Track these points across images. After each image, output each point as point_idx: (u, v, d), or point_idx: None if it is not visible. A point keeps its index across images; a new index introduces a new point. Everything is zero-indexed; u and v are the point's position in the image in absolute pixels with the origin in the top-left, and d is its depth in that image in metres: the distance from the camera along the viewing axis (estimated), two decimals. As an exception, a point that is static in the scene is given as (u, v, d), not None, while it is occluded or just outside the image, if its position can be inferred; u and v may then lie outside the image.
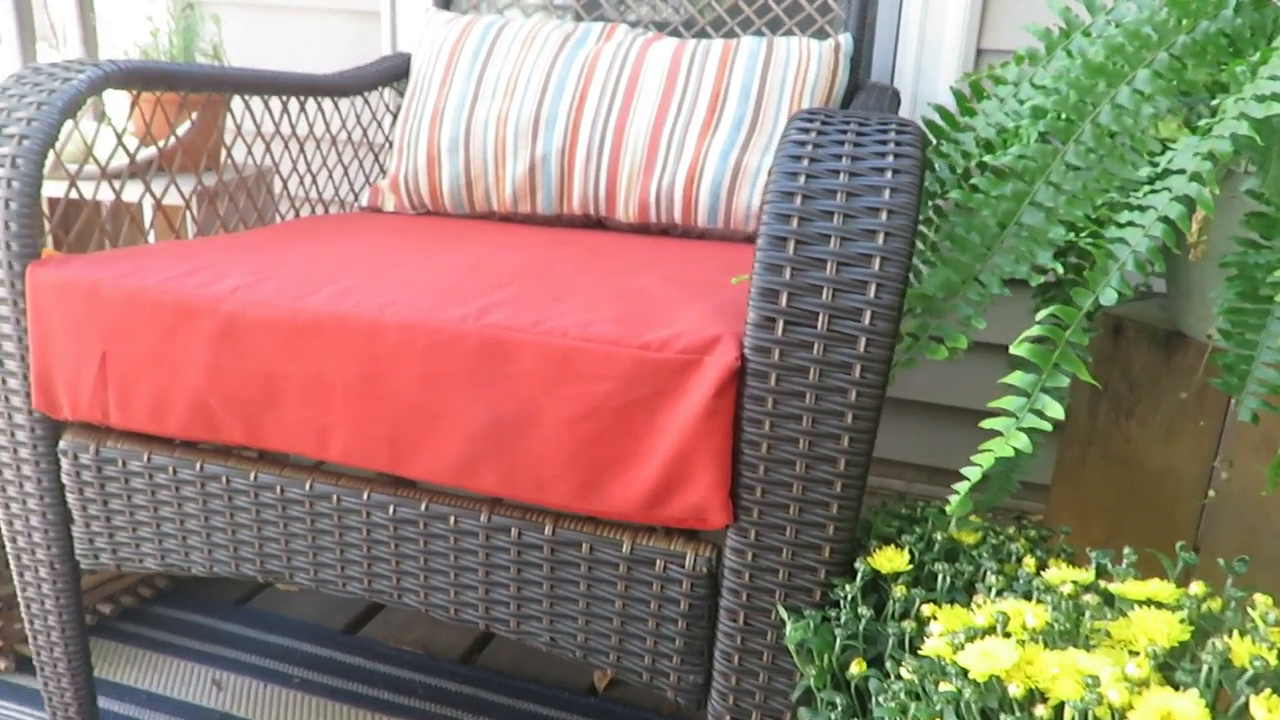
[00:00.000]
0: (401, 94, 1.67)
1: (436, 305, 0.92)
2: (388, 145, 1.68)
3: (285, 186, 1.45)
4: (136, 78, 1.12)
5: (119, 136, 1.18)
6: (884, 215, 0.81)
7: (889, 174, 0.83)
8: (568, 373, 0.87)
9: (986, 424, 0.71)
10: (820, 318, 0.81)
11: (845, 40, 1.46)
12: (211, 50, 1.67)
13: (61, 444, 1.06)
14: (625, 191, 1.41)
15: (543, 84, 1.45)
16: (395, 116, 1.69)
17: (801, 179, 0.83)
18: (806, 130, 0.88)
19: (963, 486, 0.72)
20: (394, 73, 1.63)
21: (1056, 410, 0.68)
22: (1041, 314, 0.72)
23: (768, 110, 1.39)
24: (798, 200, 0.82)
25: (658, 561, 0.91)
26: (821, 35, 1.59)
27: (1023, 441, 0.69)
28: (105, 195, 1.51)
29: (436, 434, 0.91)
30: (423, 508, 0.96)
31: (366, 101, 1.59)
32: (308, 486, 0.99)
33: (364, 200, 1.56)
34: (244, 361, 0.95)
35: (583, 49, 1.48)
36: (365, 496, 0.98)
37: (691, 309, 0.94)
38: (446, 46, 1.52)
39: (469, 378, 0.89)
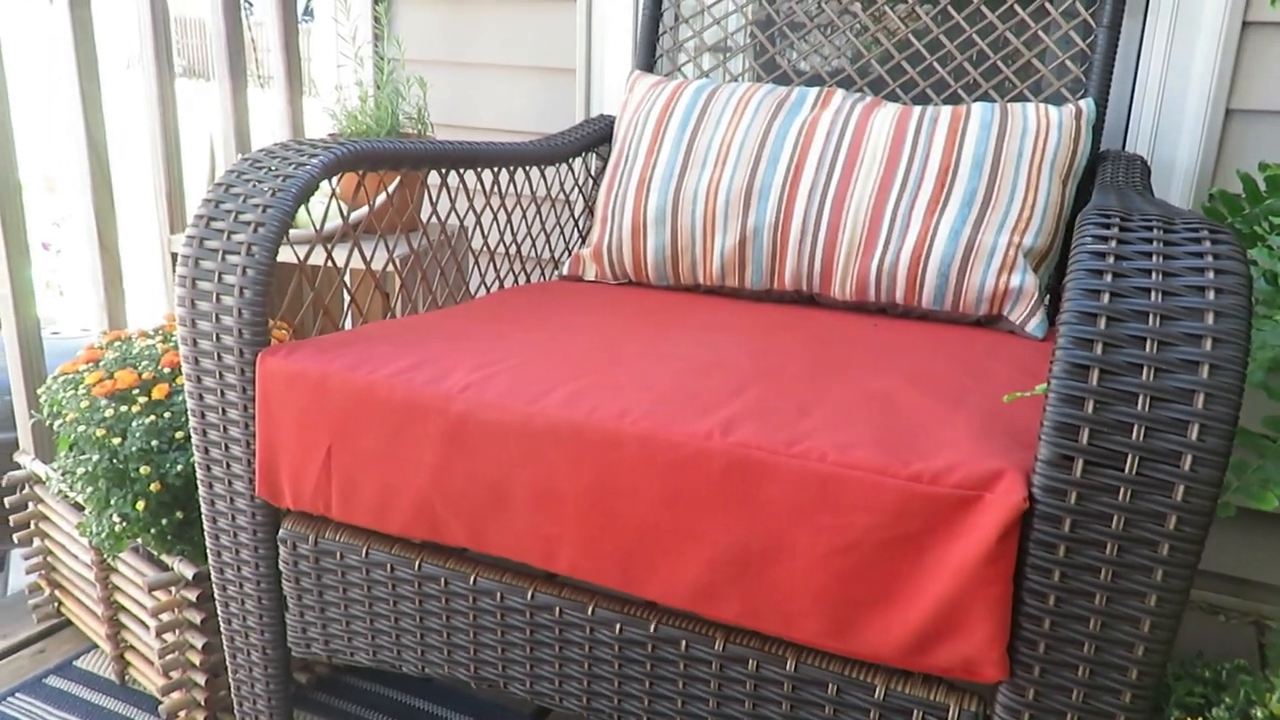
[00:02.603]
0: (602, 158, 1.64)
1: (677, 415, 0.86)
2: (587, 210, 1.65)
3: (491, 251, 1.43)
4: (364, 159, 1.11)
5: (344, 215, 1.17)
6: (1208, 344, 0.70)
7: (1211, 294, 0.72)
8: (825, 502, 0.79)
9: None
10: (1129, 460, 0.71)
11: (1087, 106, 1.34)
12: (416, 113, 1.67)
13: (281, 532, 1.05)
14: (842, 268, 1.33)
15: (755, 152, 1.38)
16: (595, 181, 1.66)
17: (1105, 298, 0.73)
18: (1104, 237, 0.78)
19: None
20: (597, 138, 1.59)
21: None
22: None
23: (1003, 184, 1.28)
24: (1101, 323, 0.72)
25: (915, 712, 0.82)
26: (1057, 100, 1.47)
27: None
28: (310, 257, 1.52)
29: (675, 555, 0.85)
30: (651, 629, 0.90)
31: (570, 167, 1.56)
32: (529, 596, 0.94)
33: (564, 267, 1.53)
34: (472, 464, 0.91)
35: (799, 115, 1.40)
36: (589, 611, 0.92)
37: (955, 427, 0.85)
38: (655, 112, 1.48)
39: (714, 499, 0.83)
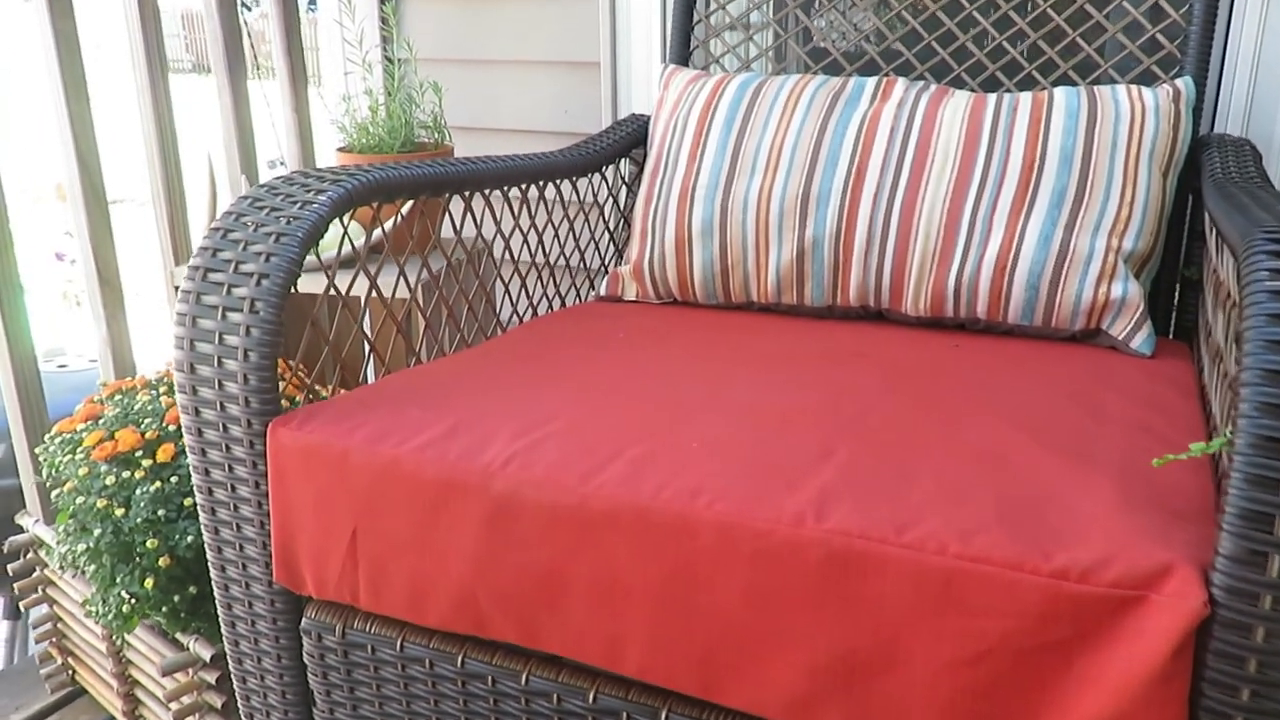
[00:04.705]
0: (636, 163, 1.50)
1: (758, 492, 0.72)
2: (622, 220, 1.51)
3: (521, 273, 1.30)
4: (379, 190, 0.97)
5: (357, 251, 1.04)
6: None
7: None
8: (949, 603, 0.66)
9: None
10: (1340, 556, 0.57)
11: (1185, 86, 1.19)
12: (432, 120, 1.54)
13: (304, 622, 0.92)
14: (915, 281, 1.19)
15: (811, 154, 1.24)
16: (629, 187, 1.52)
17: (1297, 350, 0.59)
18: (1282, 272, 0.64)
19: None
20: (630, 141, 1.45)
21: None
22: None
23: (1097, 180, 1.13)
24: (1295, 383, 0.58)
25: (1061, 842, 0.69)
26: (1146, 79, 1.32)
27: None
28: (314, 285, 1.39)
29: (764, 659, 0.72)
30: (737, 740, 0.77)
31: (603, 175, 1.42)
32: (590, 699, 0.81)
33: (601, 286, 1.40)
34: (520, 552, 0.79)
35: (857, 109, 1.26)
36: (662, 717, 0.79)
37: (1091, 495, 0.71)
38: (695, 111, 1.33)
39: (810, 596, 0.69)
